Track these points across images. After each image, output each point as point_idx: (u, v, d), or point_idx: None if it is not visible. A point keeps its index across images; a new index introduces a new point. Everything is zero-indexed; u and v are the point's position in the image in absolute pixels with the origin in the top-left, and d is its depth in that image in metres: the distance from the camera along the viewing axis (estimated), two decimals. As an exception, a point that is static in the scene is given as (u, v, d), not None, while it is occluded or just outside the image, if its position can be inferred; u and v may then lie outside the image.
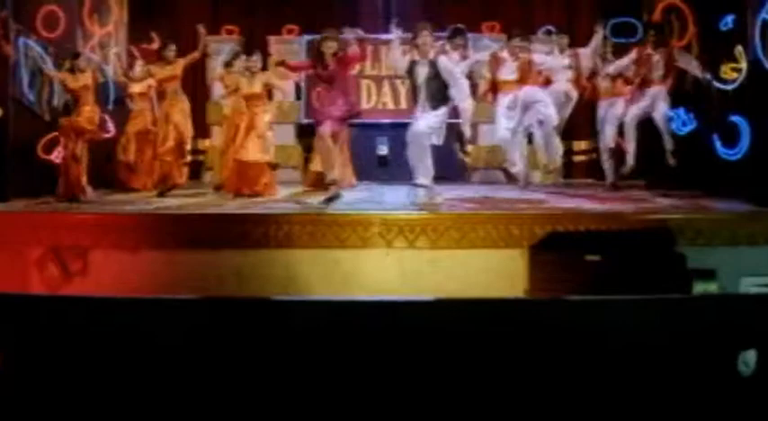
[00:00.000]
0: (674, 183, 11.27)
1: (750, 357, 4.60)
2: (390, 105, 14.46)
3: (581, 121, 13.76)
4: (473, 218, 8.73)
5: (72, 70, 10.93)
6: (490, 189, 12.09)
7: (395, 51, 9.96)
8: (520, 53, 11.41)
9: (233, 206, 10.02)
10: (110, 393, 4.46)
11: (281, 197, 10.94)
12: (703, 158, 11.08)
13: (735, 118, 10.63)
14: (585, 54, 12.03)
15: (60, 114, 11.14)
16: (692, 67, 11.33)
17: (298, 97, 14.39)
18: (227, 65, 12.37)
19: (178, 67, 11.67)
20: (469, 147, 14.03)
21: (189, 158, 12.31)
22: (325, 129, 10.04)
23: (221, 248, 8.54)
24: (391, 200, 10.47)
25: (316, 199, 10.10)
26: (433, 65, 9.54)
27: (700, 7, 11.59)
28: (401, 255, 8.50)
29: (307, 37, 14.60)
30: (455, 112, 10.78)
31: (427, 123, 9.61)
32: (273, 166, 11.37)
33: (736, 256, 8.48)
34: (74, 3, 12.17)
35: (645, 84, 11.29)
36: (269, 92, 11.88)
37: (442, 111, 9.80)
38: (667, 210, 9.40)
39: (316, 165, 11.51)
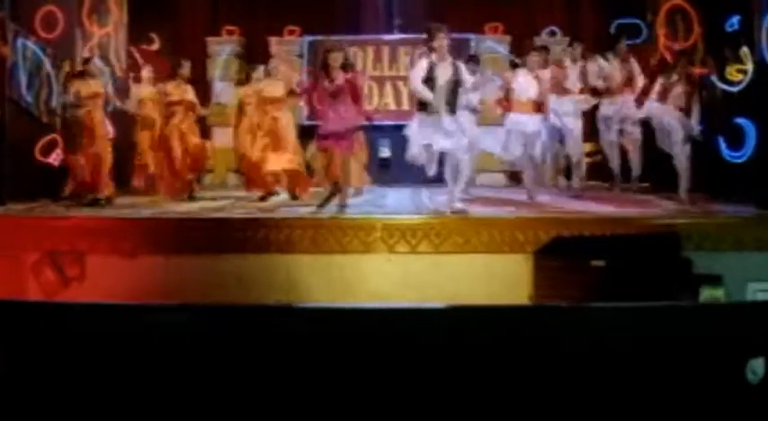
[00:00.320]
0: (677, 185, 11.15)
1: (758, 365, 4.56)
2: (392, 106, 14.40)
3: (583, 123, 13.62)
4: (477, 222, 8.64)
5: (83, 75, 10.82)
6: (493, 192, 11.94)
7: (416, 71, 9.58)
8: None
9: (233, 210, 9.89)
10: (107, 400, 4.42)
11: (281, 201, 10.78)
12: (708, 161, 10.98)
13: (740, 120, 10.54)
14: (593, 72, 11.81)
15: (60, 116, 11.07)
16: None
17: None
18: (240, 82, 12.22)
19: (189, 92, 11.55)
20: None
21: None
22: (324, 145, 9.94)
23: (221, 253, 8.45)
24: (393, 203, 10.39)
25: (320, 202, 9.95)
26: (455, 67, 9.29)
27: (705, 8, 11.49)
28: (403, 260, 8.41)
29: (308, 38, 14.53)
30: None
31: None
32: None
33: (742, 262, 8.37)
34: (73, 3, 12.03)
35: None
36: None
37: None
38: (673, 214, 9.31)
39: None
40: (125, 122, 12.55)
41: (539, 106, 10.93)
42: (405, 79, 12.27)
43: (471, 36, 14.80)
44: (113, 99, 11.57)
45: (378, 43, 14.33)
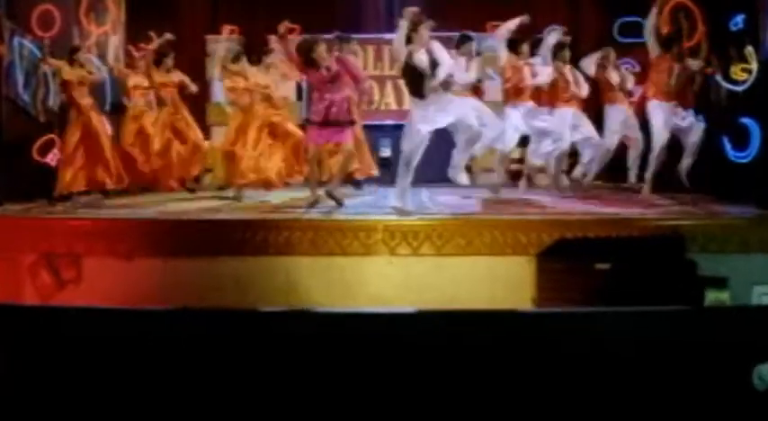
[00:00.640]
0: (682, 185, 11.06)
1: (765, 371, 4.60)
2: (393, 106, 14.27)
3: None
4: (479, 224, 8.53)
5: (71, 62, 10.73)
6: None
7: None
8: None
9: (231, 212, 9.76)
10: (105, 404, 4.51)
11: (282, 202, 10.67)
12: (712, 161, 10.90)
13: (745, 120, 10.50)
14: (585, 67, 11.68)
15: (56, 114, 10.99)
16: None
17: (299, 97, 14.18)
18: (234, 59, 12.08)
19: (176, 75, 11.47)
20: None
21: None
22: (315, 141, 9.95)
23: (219, 255, 8.34)
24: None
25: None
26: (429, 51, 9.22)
27: (709, 6, 11.40)
28: (405, 262, 8.31)
29: (308, 36, 14.38)
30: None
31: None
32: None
33: (748, 264, 8.30)
34: (70, 1, 11.96)
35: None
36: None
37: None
38: (677, 215, 9.20)
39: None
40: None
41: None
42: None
43: (472, 34, 14.69)
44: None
45: (379, 42, 14.21)
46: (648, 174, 10.94)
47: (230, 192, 11.41)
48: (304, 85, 13.89)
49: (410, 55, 9.12)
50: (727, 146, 10.77)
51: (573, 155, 12.26)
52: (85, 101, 10.79)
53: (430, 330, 4.68)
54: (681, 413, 4.63)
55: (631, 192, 11.53)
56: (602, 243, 8.13)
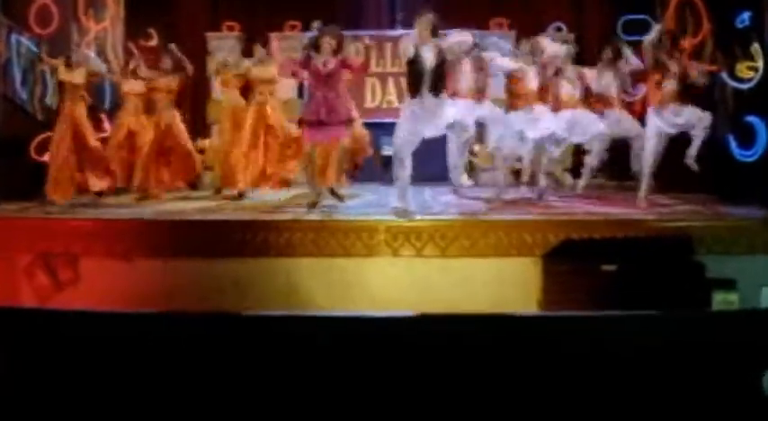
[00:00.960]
0: (687, 184, 10.97)
1: None
2: (396, 104, 14.09)
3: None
4: (484, 224, 8.42)
5: (68, 65, 10.61)
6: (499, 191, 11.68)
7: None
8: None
9: (232, 212, 9.63)
10: (100, 410, 4.41)
11: (283, 201, 10.56)
12: (718, 160, 10.80)
13: (751, 118, 10.41)
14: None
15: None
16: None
17: (300, 95, 14.07)
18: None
19: (175, 81, 11.35)
20: (476, 147, 13.65)
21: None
22: (311, 139, 9.78)
23: (219, 257, 8.24)
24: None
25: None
26: (439, 50, 9.07)
27: (715, 3, 11.29)
28: (408, 263, 8.20)
29: (309, 33, 14.27)
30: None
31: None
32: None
33: (756, 265, 8.18)
34: (68, -2, 11.82)
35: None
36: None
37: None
38: (684, 216, 9.07)
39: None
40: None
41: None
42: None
43: (475, 32, 14.60)
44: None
45: (380, 39, 14.07)
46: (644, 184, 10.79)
47: (228, 191, 11.32)
48: (306, 84, 13.79)
49: (417, 50, 8.98)
50: (733, 145, 10.68)
51: (576, 154, 12.19)
52: (76, 104, 10.60)
53: (432, 334, 4.59)
54: (691, 418, 4.51)
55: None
56: (608, 244, 8.05)
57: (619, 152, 11.57)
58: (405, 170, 9.05)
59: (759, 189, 9.93)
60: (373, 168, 12.89)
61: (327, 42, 9.60)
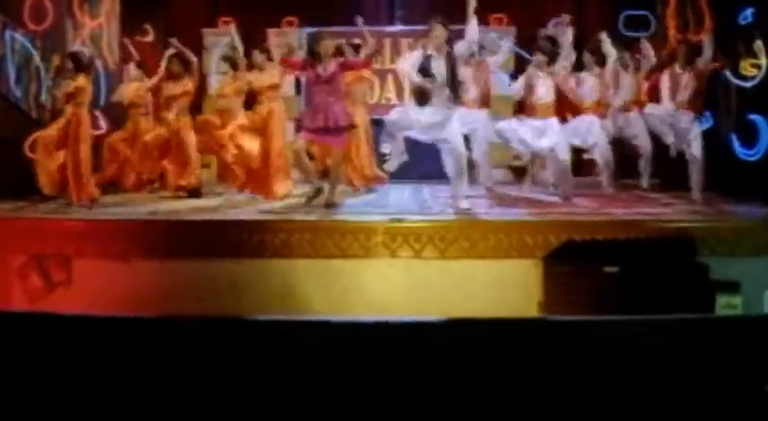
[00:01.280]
0: (688, 184, 10.87)
1: None
2: (394, 101, 14.01)
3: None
4: (483, 225, 8.31)
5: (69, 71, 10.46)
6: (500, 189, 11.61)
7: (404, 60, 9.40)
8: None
9: (228, 212, 9.52)
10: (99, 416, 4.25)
11: (279, 202, 10.42)
12: (720, 158, 10.71)
13: (754, 116, 10.35)
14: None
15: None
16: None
17: (297, 92, 13.97)
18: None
19: (190, 83, 11.24)
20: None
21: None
22: (304, 137, 9.67)
23: (214, 257, 8.11)
24: (395, 202, 10.08)
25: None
26: (451, 60, 9.03)
27: (717, 0, 11.18)
28: (407, 265, 8.07)
29: (307, 29, 14.18)
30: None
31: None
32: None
33: (760, 267, 8.06)
34: (63, -7, 11.70)
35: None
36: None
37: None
38: (687, 216, 8.99)
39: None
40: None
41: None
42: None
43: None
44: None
45: (379, 36, 13.95)
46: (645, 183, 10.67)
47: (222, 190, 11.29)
48: (303, 79, 13.69)
49: (428, 61, 8.92)
50: (736, 143, 10.62)
51: (576, 152, 12.10)
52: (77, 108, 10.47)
53: (430, 340, 4.45)
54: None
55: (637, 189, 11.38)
56: (610, 245, 7.94)
57: (619, 152, 11.54)
58: (398, 142, 9.37)
59: (762, 188, 9.85)
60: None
61: (326, 46, 9.43)
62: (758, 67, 10.34)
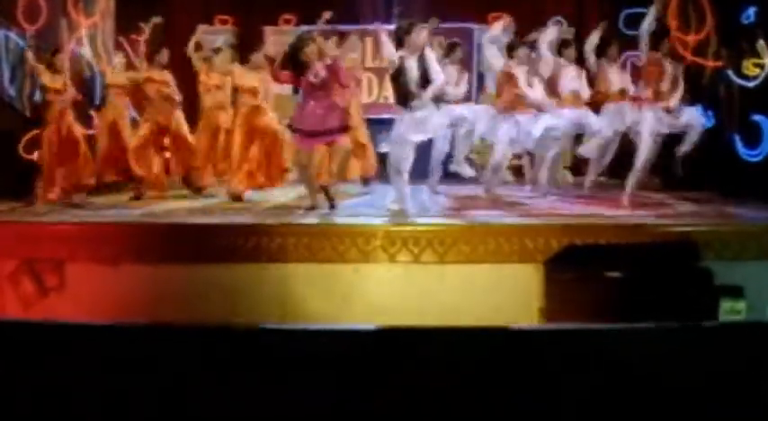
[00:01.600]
0: (691, 184, 10.79)
1: None
2: (392, 100, 13.87)
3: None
4: (483, 229, 8.17)
5: (50, 67, 10.35)
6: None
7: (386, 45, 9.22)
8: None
9: (222, 216, 9.38)
10: None
11: (275, 205, 10.31)
12: (723, 159, 10.64)
13: (757, 117, 10.29)
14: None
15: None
16: None
17: (295, 91, 13.83)
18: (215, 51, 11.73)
19: (165, 75, 11.19)
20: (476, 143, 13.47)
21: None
22: (302, 146, 9.58)
23: (209, 262, 7.96)
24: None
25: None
26: (423, 60, 9.03)
27: (719, -2, 11.11)
28: (406, 269, 7.95)
29: (305, 27, 14.07)
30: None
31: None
32: None
33: (764, 271, 7.94)
34: (57, -9, 11.60)
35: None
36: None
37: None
38: (691, 219, 8.90)
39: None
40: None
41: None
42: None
43: (474, 26, 14.46)
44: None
45: (377, 34, 13.87)
46: (631, 182, 10.56)
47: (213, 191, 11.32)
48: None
49: (402, 61, 8.85)
50: (739, 144, 10.55)
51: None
52: (61, 107, 10.36)
53: (428, 348, 4.35)
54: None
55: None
56: (613, 250, 7.82)
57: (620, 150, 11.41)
58: (402, 178, 9.14)
59: (765, 189, 9.80)
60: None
61: (311, 53, 9.31)
62: (761, 66, 10.30)
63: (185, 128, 11.39)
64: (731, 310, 7.44)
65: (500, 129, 10.10)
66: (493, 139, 10.32)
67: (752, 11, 10.36)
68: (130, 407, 4.17)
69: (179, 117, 11.33)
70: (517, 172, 13.02)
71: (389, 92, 13.75)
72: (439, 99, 9.49)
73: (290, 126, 9.63)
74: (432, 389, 4.21)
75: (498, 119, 10.08)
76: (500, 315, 7.50)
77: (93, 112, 11.74)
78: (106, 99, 11.60)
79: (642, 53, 10.22)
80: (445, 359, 4.26)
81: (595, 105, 10.96)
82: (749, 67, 10.47)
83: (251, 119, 10.79)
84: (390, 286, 7.90)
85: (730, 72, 10.78)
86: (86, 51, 11.95)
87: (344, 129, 9.67)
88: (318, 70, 9.31)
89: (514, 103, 10.20)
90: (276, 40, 14.05)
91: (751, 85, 10.45)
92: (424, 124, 9.03)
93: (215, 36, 13.92)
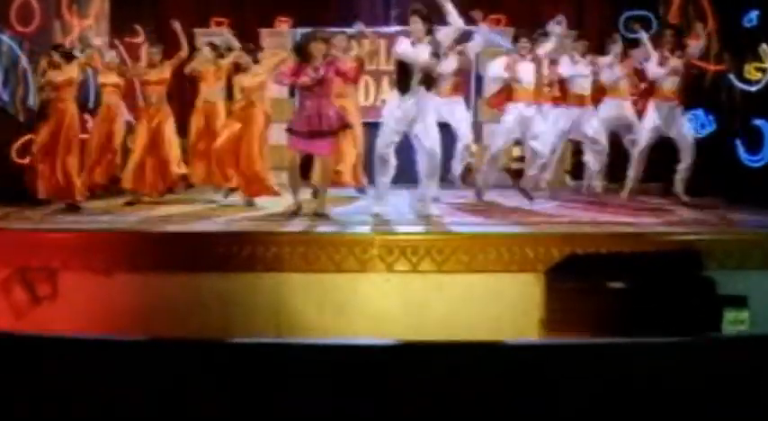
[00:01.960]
0: (693, 189, 10.70)
1: None
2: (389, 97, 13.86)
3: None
4: (483, 238, 8.06)
5: (51, 64, 10.27)
6: (497, 195, 11.39)
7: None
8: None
9: (216, 223, 9.25)
10: None
11: (270, 213, 10.18)
12: (724, 164, 10.56)
13: (759, 121, 10.18)
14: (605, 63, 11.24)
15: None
16: None
17: (292, 94, 13.74)
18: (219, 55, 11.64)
19: (166, 69, 11.00)
20: (473, 147, 13.35)
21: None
22: (294, 147, 9.50)
23: (203, 271, 7.84)
24: (391, 211, 9.79)
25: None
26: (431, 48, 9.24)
27: (721, 2, 11.01)
28: (403, 279, 7.82)
29: (300, 30, 14.00)
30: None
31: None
32: None
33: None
34: (51, -7, 11.49)
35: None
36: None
37: None
38: (693, 227, 8.84)
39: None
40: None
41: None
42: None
43: (473, 28, 14.34)
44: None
45: (374, 36, 13.78)
46: (631, 180, 10.47)
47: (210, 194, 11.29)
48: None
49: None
50: (740, 149, 10.46)
51: (576, 154, 11.97)
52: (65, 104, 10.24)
53: (425, 365, 4.35)
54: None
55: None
56: (615, 259, 7.72)
57: (618, 153, 11.36)
58: (386, 173, 9.31)
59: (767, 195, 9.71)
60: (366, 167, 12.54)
61: (316, 48, 9.20)
62: (763, 70, 10.27)
63: (174, 135, 11.25)
64: (735, 320, 7.35)
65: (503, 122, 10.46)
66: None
67: (754, 14, 10.36)
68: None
69: (171, 122, 11.18)
70: (517, 175, 12.91)
71: (387, 94, 13.75)
72: (433, 82, 9.57)
73: (289, 129, 9.48)
74: (431, 404, 4.18)
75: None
76: (500, 325, 7.43)
77: (87, 116, 11.62)
78: (101, 100, 11.47)
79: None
80: (446, 374, 4.24)
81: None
82: (751, 71, 10.45)
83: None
84: (388, 297, 7.79)
85: (732, 76, 10.71)
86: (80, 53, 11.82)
87: (343, 126, 9.62)
88: (318, 67, 9.18)
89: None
90: (271, 42, 13.96)
91: (753, 89, 10.45)
92: (420, 114, 9.17)
93: (210, 38, 13.84)
